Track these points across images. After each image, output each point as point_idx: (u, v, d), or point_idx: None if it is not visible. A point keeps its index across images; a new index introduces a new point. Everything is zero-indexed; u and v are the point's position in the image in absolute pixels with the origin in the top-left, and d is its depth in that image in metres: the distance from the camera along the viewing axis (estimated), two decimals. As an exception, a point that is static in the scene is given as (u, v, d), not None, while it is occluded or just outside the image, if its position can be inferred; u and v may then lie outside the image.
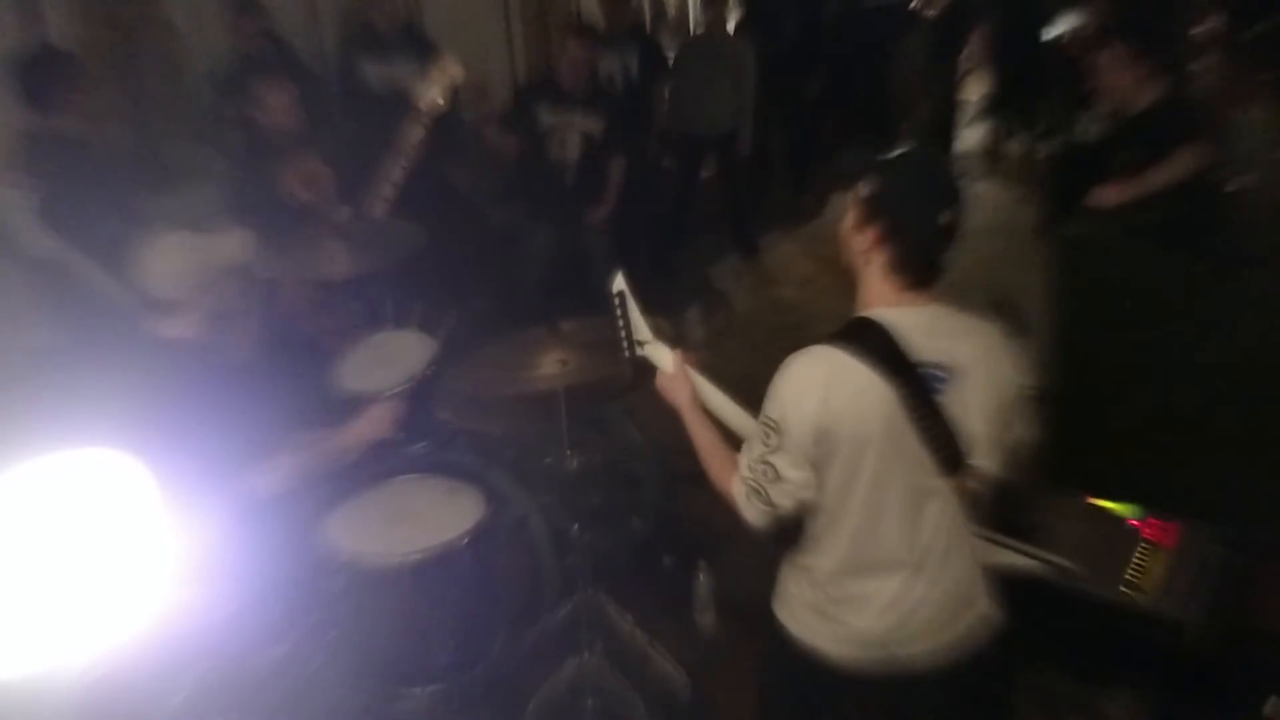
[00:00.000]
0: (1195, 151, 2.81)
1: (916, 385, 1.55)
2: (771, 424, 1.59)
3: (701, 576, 2.92)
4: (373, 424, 2.35)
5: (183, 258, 2.21)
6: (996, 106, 8.42)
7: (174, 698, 2.13)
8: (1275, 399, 2.53)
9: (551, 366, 2.39)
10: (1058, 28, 7.97)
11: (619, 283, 1.90)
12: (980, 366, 1.59)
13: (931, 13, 7.82)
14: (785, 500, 1.61)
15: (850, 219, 1.63)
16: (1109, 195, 2.93)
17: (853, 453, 1.57)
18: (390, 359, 2.91)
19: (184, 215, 3.61)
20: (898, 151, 1.67)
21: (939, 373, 1.57)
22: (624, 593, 2.84)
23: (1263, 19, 5.05)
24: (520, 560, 2.76)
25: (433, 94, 3.07)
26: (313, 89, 4.30)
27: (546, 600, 2.77)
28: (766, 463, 1.60)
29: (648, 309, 1.94)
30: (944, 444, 1.57)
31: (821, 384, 1.55)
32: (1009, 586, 1.78)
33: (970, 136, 8.46)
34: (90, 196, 3.09)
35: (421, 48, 4.39)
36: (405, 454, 2.89)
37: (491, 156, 4.49)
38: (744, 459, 1.66)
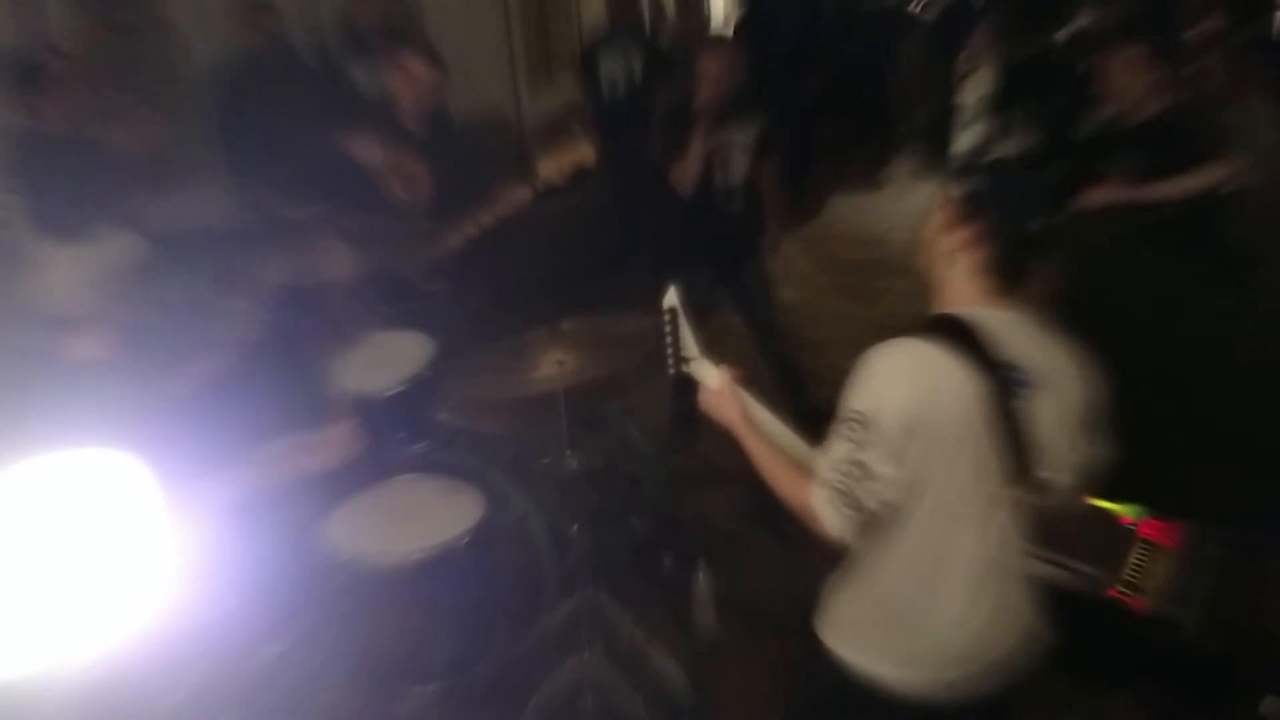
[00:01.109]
0: (1220, 166, 2.74)
1: (1000, 384, 1.51)
2: (859, 418, 1.52)
3: (701, 576, 2.92)
4: (333, 448, 2.32)
5: (75, 269, 2.12)
6: (995, 108, 8.44)
7: (174, 696, 2.13)
8: (1275, 398, 2.53)
9: (549, 366, 2.39)
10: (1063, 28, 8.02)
11: (671, 298, 1.89)
12: (1058, 378, 1.56)
13: (930, 16, 7.84)
14: (872, 501, 1.53)
15: (940, 219, 1.61)
16: (1099, 196, 2.92)
17: (929, 449, 1.52)
18: (388, 360, 2.91)
19: (183, 216, 3.63)
20: (994, 158, 1.68)
21: (1021, 376, 1.53)
22: (624, 592, 2.84)
23: (1260, 19, 5.06)
24: (520, 560, 2.76)
25: (554, 168, 3.03)
26: (315, 90, 4.33)
27: (546, 600, 2.77)
28: (855, 461, 1.52)
29: (698, 324, 1.92)
30: (1016, 450, 1.53)
31: (909, 374, 1.51)
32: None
33: (968, 138, 8.47)
34: (75, 197, 3.08)
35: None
36: (405, 454, 2.89)
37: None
38: (824, 462, 1.58)
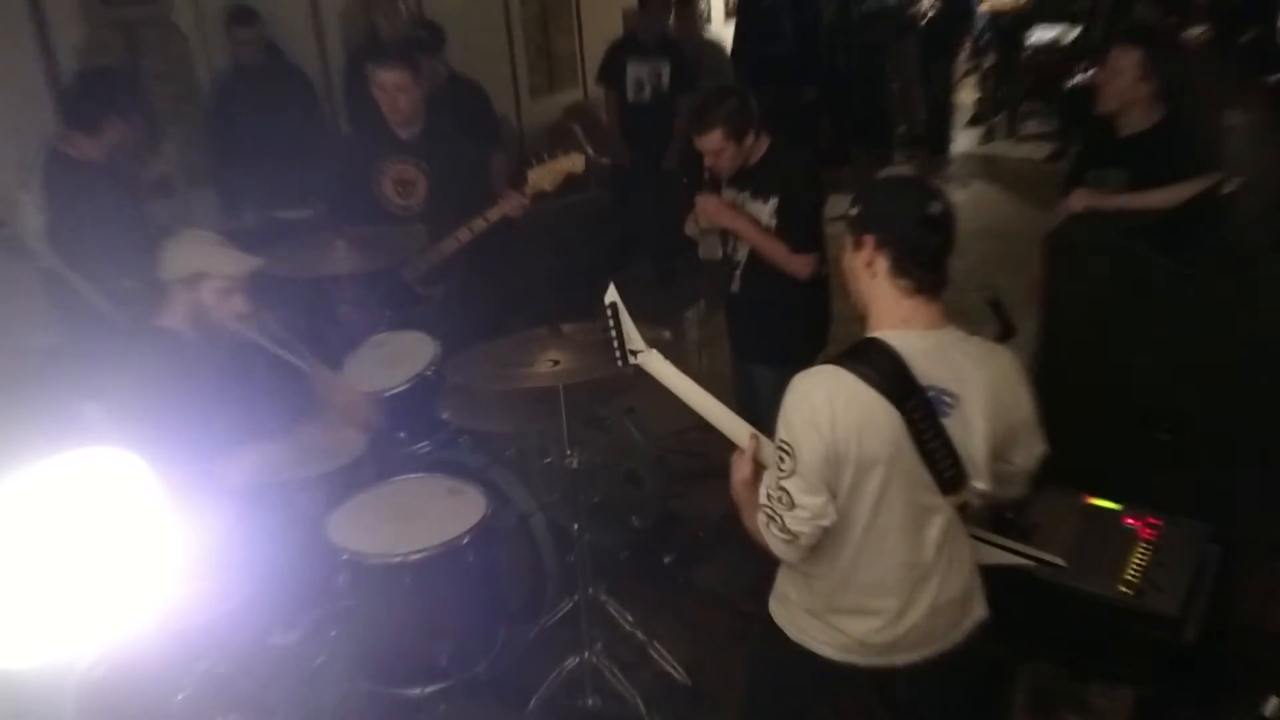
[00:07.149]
0: (1202, 180, 2.74)
1: (923, 409, 1.56)
2: (786, 448, 1.58)
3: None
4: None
5: (185, 254, 2.26)
6: (992, 110, 8.47)
7: (176, 695, 2.14)
8: (1267, 398, 2.54)
9: (543, 367, 2.40)
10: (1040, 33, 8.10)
11: (611, 293, 1.91)
12: (989, 392, 1.60)
13: (928, 17, 7.87)
14: (803, 528, 1.59)
15: (848, 242, 1.69)
16: (1082, 202, 2.92)
17: (858, 473, 1.58)
18: (391, 359, 2.92)
19: (184, 216, 3.63)
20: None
21: (947, 397, 1.58)
22: (624, 592, 2.85)
23: (1251, 25, 5.08)
24: (521, 559, 2.77)
25: (548, 180, 3.09)
26: (308, 97, 4.34)
27: (547, 599, 2.78)
28: (781, 488, 1.59)
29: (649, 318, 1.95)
30: (948, 465, 1.58)
31: (827, 406, 1.55)
32: (1006, 584, 1.80)
33: (966, 139, 8.49)
34: (94, 220, 3.08)
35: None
36: (407, 453, 2.90)
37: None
38: (763, 487, 1.65)
